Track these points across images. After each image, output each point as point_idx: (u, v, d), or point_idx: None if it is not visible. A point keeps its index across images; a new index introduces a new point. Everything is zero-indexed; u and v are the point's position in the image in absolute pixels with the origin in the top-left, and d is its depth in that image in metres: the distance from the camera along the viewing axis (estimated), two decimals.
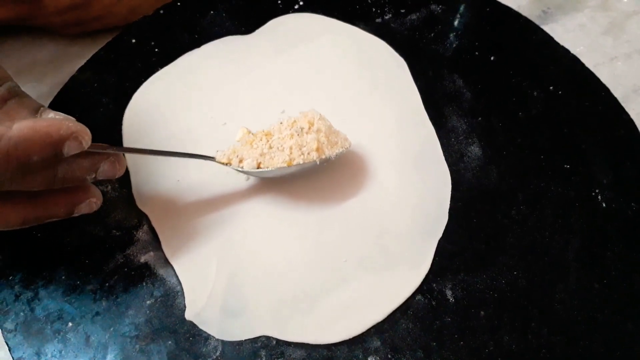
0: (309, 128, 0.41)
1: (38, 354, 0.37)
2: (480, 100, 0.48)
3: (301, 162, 0.40)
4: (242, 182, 0.44)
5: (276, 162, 0.40)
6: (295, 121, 0.41)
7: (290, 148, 0.40)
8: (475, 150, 0.45)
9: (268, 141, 0.41)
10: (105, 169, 0.36)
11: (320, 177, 0.43)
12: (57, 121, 0.33)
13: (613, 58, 0.53)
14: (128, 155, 0.45)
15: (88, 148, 0.34)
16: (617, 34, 0.55)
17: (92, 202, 0.38)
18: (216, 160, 0.41)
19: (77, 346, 0.37)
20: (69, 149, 0.33)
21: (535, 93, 0.48)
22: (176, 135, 0.46)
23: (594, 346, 0.37)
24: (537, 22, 0.52)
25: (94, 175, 0.36)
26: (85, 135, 0.34)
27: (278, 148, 0.40)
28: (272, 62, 0.50)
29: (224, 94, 0.48)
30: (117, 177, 0.38)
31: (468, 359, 0.37)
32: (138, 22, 0.52)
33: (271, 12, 0.53)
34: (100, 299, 0.39)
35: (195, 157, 0.42)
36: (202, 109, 0.47)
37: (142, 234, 0.42)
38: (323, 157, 0.40)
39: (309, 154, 0.40)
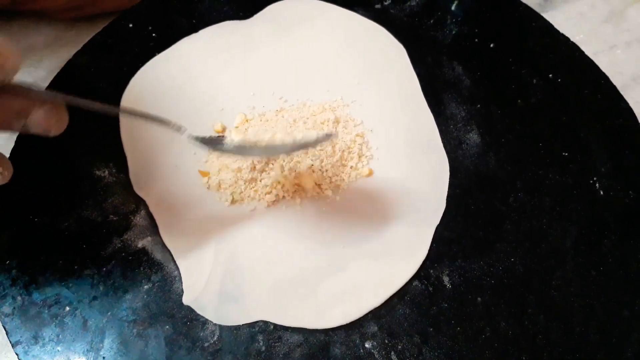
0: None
1: (35, 337, 0.37)
2: (479, 87, 0.47)
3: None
4: None
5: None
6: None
7: None
8: (473, 137, 0.45)
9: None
10: (39, 118, 0.31)
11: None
12: None
13: (613, 46, 0.53)
14: (126, 141, 0.45)
15: (19, 83, 0.29)
16: (617, 22, 0.54)
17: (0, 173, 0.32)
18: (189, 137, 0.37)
19: (74, 330, 0.38)
20: None
21: (534, 81, 0.48)
22: (173, 120, 0.46)
23: (590, 333, 0.37)
24: (537, 9, 0.52)
25: (23, 123, 0.31)
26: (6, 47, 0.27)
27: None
28: (270, 48, 0.50)
29: (222, 80, 0.48)
30: (54, 134, 0.32)
31: (464, 344, 0.37)
32: (135, 7, 0.52)
33: None
34: (97, 283, 0.39)
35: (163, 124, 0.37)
36: (199, 95, 0.47)
37: (139, 219, 0.42)
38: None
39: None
